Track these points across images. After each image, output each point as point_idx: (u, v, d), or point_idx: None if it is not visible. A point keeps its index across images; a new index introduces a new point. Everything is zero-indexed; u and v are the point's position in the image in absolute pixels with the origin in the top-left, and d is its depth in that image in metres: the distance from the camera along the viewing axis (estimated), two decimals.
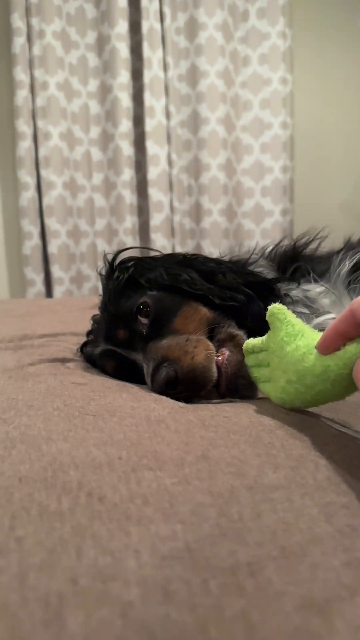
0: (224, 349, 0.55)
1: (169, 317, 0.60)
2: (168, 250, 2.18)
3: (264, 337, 0.47)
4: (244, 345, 0.51)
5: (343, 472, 0.33)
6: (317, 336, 0.38)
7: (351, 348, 0.33)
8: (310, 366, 0.37)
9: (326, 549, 0.25)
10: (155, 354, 0.54)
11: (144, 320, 0.61)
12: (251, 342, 0.50)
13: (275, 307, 0.44)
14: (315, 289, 0.67)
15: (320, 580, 0.23)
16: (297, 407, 0.44)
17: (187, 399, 0.51)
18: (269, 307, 0.44)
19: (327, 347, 0.35)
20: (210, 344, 0.55)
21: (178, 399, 0.50)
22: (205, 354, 0.53)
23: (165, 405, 0.46)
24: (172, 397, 0.50)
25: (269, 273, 0.72)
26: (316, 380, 0.37)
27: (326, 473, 0.32)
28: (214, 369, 0.53)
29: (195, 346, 0.53)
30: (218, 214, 2.18)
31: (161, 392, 0.51)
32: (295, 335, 0.41)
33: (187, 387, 0.51)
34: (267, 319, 0.45)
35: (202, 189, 2.17)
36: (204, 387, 0.52)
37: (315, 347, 0.37)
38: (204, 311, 0.61)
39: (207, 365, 0.52)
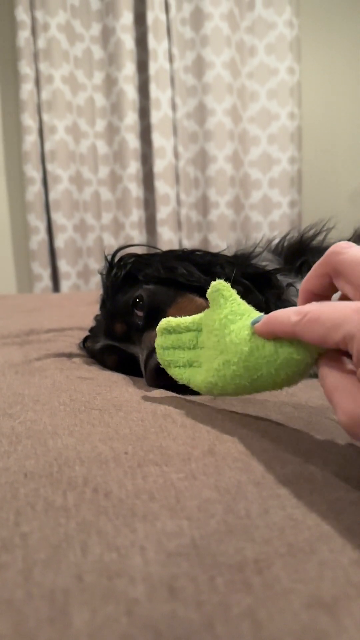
0: None
1: (164, 309, 0.60)
2: (175, 244, 2.17)
3: (194, 316, 0.42)
4: (161, 324, 0.45)
5: (352, 467, 0.32)
6: None
7: None
8: (260, 345, 0.33)
9: (335, 546, 0.24)
10: (149, 343, 0.53)
11: (140, 313, 0.61)
12: (174, 320, 0.44)
13: (220, 283, 0.39)
14: None
15: (329, 578, 0.22)
16: (226, 394, 0.39)
17: (183, 391, 0.49)
18: (212, 283, 0.39)
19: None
20: None
21: (173, 390, 0.49)
22: None
23: (172, 400, 0.45)
24: (167, 388, 0.49)
25: (272, 266, 0.71)
26: (261, 362, 0.33)
27: (335, 468, 0.32)
28: None
29: None
30: (225, 207, 2.17)
31: (154, 381, 0.50)
32: (241, 315, 0.37)
33: None
34: (207, 295, 0.40)
35: (209, 181, 2.16)
36: None
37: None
38: (200, 301, 0.61)
39: None
